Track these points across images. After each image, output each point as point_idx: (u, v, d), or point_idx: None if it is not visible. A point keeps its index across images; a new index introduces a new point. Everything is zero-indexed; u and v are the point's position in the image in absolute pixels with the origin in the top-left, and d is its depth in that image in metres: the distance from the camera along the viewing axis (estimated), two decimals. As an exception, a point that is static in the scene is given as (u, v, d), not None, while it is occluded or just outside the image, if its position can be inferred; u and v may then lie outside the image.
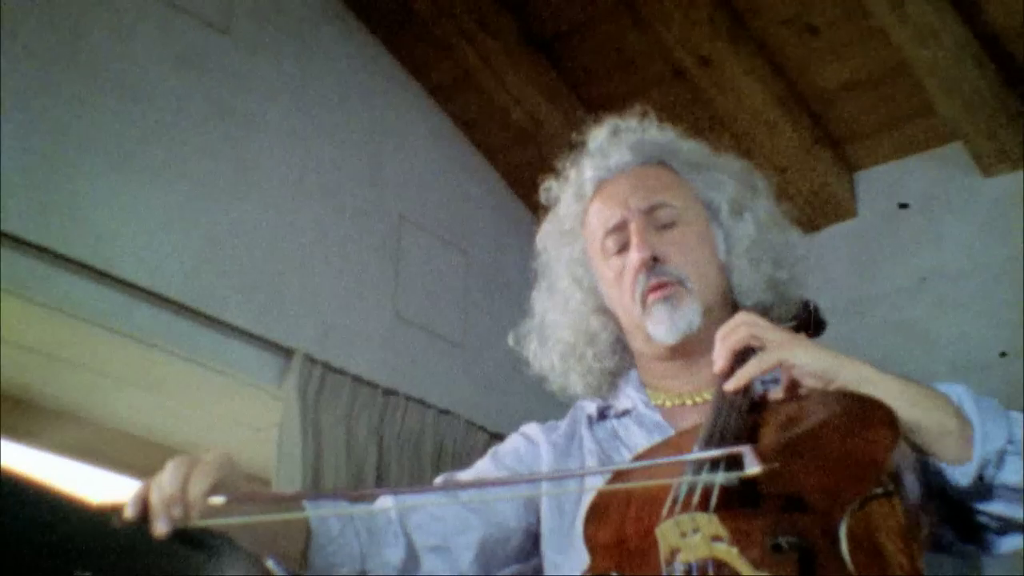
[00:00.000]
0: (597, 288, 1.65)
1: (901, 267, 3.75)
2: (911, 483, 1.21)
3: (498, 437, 3.27)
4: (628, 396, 1.62)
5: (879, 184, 3.90)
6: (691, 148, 1.71)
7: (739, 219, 1.63)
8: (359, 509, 1.46)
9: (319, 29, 3.79)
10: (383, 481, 3.40)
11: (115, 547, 0.79)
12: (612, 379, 1.67)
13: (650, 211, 1.59)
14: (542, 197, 1.77)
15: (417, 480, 3.52)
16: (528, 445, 1.62)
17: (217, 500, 1.21)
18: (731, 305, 1.61)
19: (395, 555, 1.46)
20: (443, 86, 4.08)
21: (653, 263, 1.55)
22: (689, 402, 1.58)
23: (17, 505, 0.73)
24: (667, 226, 1.59)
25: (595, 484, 1.39)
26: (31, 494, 0.75)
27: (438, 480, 1.61)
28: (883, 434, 1.21)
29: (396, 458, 3.48)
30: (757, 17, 3.62)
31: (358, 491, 1.45)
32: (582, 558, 1.28)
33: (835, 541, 1.07)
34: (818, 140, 3.84)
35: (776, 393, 1.39)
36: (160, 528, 1.18)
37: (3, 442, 3.08)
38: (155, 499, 1.19)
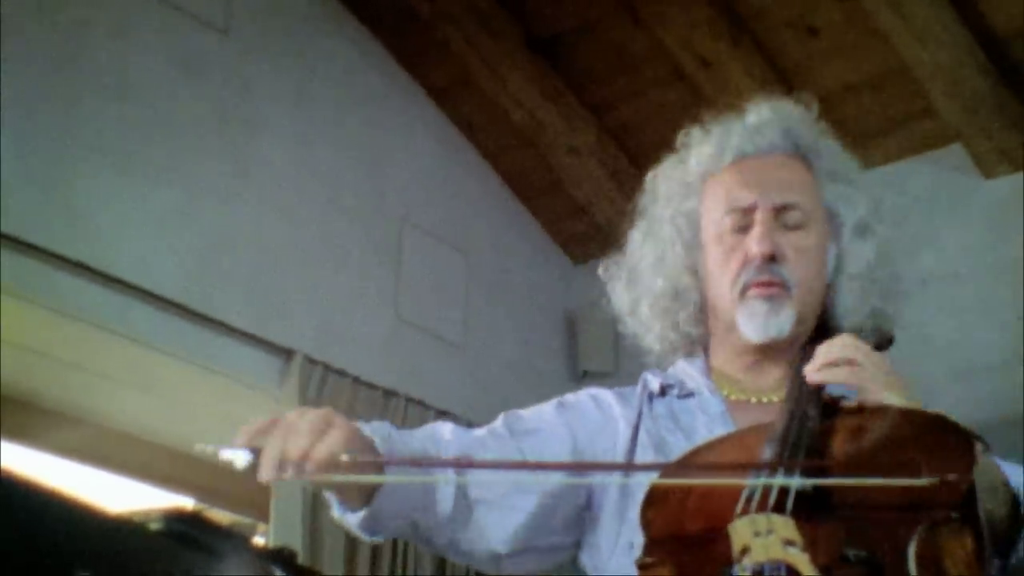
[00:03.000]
0: (696, 248, 1.61)
1: (901, 269, 3.74)
2: (987, 513, 1.18)
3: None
4: (693, 378, 1.59)
5: (879, 186, 3.89)
6: (838, 155, 1.68)
7: (860, 241, 1.61)
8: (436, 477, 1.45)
9: (319, 30, 3.79)
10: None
11: (115, 547, 0.79)
12: (691, 345, 1.63)
13: (782, 209, 1.56)
14: (678, 140, 1.69)
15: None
16: (603, 421, 1.58)
17: (344, 458, 1.23)
18: (821, 323, 1.58)
19: (446, 505, 1.44)
20: (444, 88, 4.08)
21: (770, 260, 1.52)
22: (754, 399, 1.55)
23: (17, 506, 0.73)
24: (792, 228, 1.55)
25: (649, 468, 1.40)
26: (31, 495, 0.75)
27: (500, 419, 1.57)
28: (959, 459, 1.19)
29: (396, 460, 3.48)
30: (758, 19, 3.62)
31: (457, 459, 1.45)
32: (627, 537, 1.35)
33: (903, 560, 1.07)
34: (818, 142, 3.84)
35: (848, 402, 1.37)
36: (264, 476, 1.22)
37: (3, 443, 3.08)
38: (273, 450, 1.22)
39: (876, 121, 3.79)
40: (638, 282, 1.65)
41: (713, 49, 3.62)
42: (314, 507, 3.19)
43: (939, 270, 3.67)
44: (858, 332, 1.54)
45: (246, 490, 3.68)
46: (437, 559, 3.51)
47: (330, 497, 1.40)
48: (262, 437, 1.24)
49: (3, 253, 2.74)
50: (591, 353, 4.25)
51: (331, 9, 3.84)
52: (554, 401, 1.61)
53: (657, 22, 3.66)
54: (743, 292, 1.53)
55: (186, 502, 3.58)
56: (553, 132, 4.01)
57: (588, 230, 4.32)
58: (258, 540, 3.36)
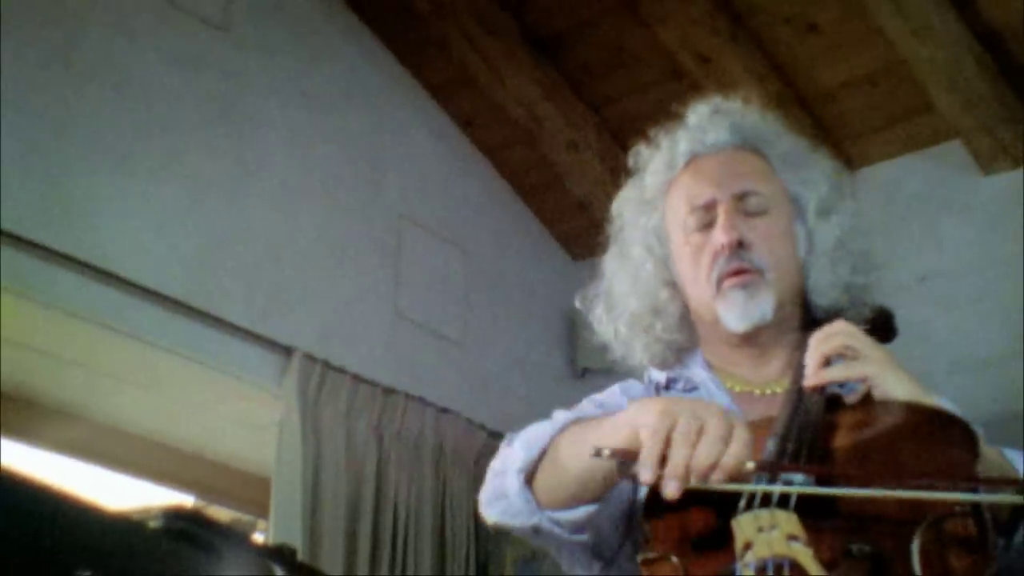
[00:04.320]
0: (669, 261, 1.62)
1: (900, 266, 3.75)
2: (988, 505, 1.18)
3: (497, 436, 3.27)
4: (696, 374, 1.60)
5: (878, 182, 3.90)
6: (788, 141, 1.70)
7: (825, 220, 1.62)
8: None
9: (319, 28, 3.79)
10: (382, 480, 3.41)
11: (115, 545, 0.79)
12: (677, 353, 1.64)
13: (741, 197, 1.57)
14: (630, 161, 1.71)
15: (415, 478, 3.52)
16: None
17: (750, 466, 1.14)
18: (803, 304, 1.60)
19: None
20: (443, 85, 4.08)
21: (738, 247, 1.53)
22: (757, 392, 1.55)
23: (17, 504, 0.73)
24: (755, 214, 1.57)
25: None
26: (31, 493, 0.75)
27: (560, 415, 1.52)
28: (962, 452, 1.19)
29: (396, 456, 3.48)
30: (757, 15, 3.62)
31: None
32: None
33: (907, 554, 1.07)
34: (817, 138, 3.82)
35: (851, 396, 1.37)
36: (672, 492, 1.13)
37: (3, 440, 3.08)
38: (679, 464, 1.13)
39: (875, 117, 3.79)
40: (615, 306, 1.66)
41: (712, 45, 3.62)
42: (314, 505, 3.20)
43: (938, 266, 3.67)
44: (837, 311, 1.55)
45: (245, 488, 3.69)
46: (437, 559, 3.51)
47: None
48: (658, 447, 1.16)
49: (3, 250, 2.74)
50: (591, 350, 4.22)
51: (330, 6, 3.84)
52: (586, 402, 1.60)
53: (656, 18, 3.66)
54: (719, 285, 1.53)
55: (186, 499, 3.59)
56: (552, 128, 4.01)
57: (587, 226, 4.31)
58: (258, 537, 3.37)
